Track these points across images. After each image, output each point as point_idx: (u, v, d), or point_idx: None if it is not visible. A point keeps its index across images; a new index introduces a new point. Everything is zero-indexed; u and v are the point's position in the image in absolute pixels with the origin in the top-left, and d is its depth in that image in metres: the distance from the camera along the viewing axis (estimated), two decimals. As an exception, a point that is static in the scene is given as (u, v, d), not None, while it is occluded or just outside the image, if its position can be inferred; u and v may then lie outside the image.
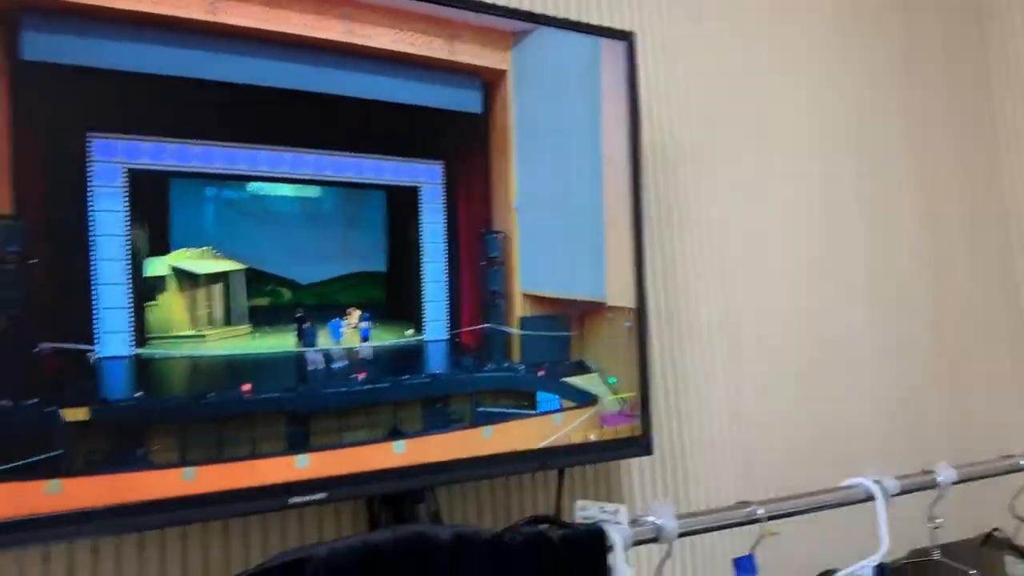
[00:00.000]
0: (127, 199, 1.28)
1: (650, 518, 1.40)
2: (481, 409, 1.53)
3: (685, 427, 1.97)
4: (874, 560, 1.53)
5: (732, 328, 2.13)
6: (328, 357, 1.44)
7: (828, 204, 2.23)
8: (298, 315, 1.41)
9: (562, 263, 1.70)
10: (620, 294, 1.78)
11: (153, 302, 1.29)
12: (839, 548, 1.73)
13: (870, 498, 1.60)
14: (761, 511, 1.48)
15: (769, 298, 2.17)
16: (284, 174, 1.41)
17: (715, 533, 1.48)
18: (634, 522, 1.37)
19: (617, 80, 1.81)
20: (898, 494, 1.63)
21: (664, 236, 2.06)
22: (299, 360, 1.40)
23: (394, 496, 1.51)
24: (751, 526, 1.49)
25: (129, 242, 1.28)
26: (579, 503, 1.40)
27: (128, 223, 1.29)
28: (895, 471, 1.67)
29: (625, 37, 1.82)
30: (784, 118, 2.26)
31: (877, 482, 1.60)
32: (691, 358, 2.00)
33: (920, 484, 1.70)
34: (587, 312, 1.69)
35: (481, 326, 1.57)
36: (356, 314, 1.47)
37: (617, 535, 1.29)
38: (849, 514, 1.66)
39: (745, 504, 1.51)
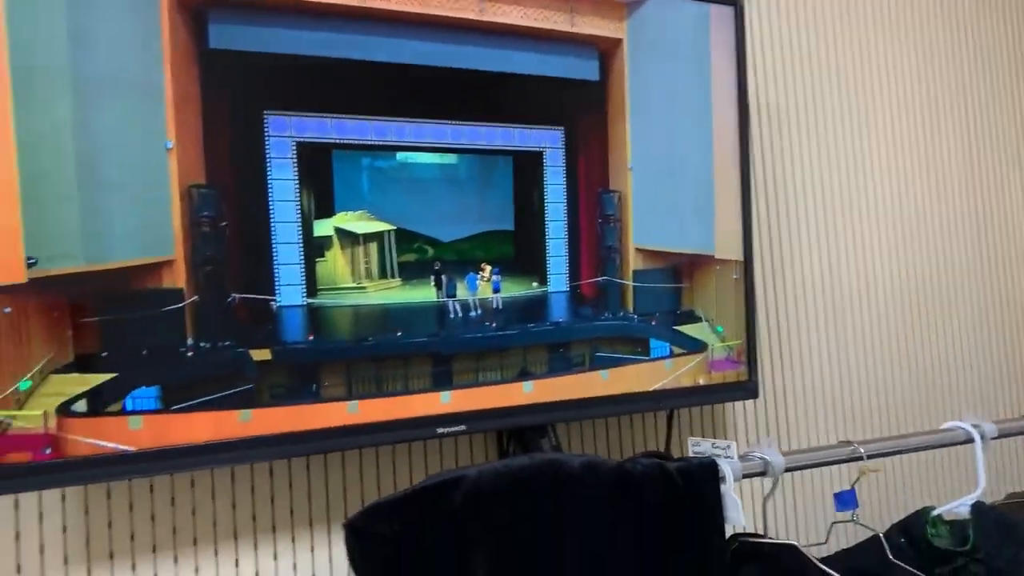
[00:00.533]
0: (296, 168, 1.41)
1: (757, 453, 1.54)
2: (599, 354, 1.62)
3: (788, 372, 2.03)
4: (971, 498, 1.62)
5: (834, 278, 2.20)
6: (465, 307, 1.52)
7: (931, 159, 2.26)
8: (436, 268, 1.55)
9: (673, 219, 1.72)
10: (728, 247, 1.86)
11: (321, 259, 1.45)
12: (938, 488, 1.82)
13: (969, 440, 1.69)
14: (863, 449, 1.60)
15: (870, 249, 2.24)
16: (426, 143, 1.48)
17: (817, 470, 1.60)
18: (743, 457, 1.51)
19: (726, 45, 1.88)
20: (997, 437, 1.70)
21: (769, 192, 2.13)
22: (441, 309, 1.56)
23: (522, 430, 1.65)
24: (852, 464, 1.61)
25: (299, 206, 1.43)
26: (692, 439, 1.55)
27: (298, 190, 1.43)
28: (994, 415, 1.74)
29: (733, 3, 1.88)
30: (889, 79, 2.25)
31: (976, 426, 1.69)
32: (794, 307, 2.05)
33: (1019, 428, 1.76)
34: (696, 265, 1.75)
35: (598, 279, 1.63)
36: (488, 268, 1.59)
37: (728, 468, 1.44)
38: (948, 456, 1.75)
39: (847, 443, 1.64)
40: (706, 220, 1.83)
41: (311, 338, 1.39)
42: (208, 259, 1.32)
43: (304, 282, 1.39)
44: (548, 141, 1.66)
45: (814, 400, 2.07)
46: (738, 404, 1.92)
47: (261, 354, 1.36)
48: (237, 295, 1.34)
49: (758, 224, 1.98)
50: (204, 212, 1.32)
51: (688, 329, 1.76)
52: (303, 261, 1.39)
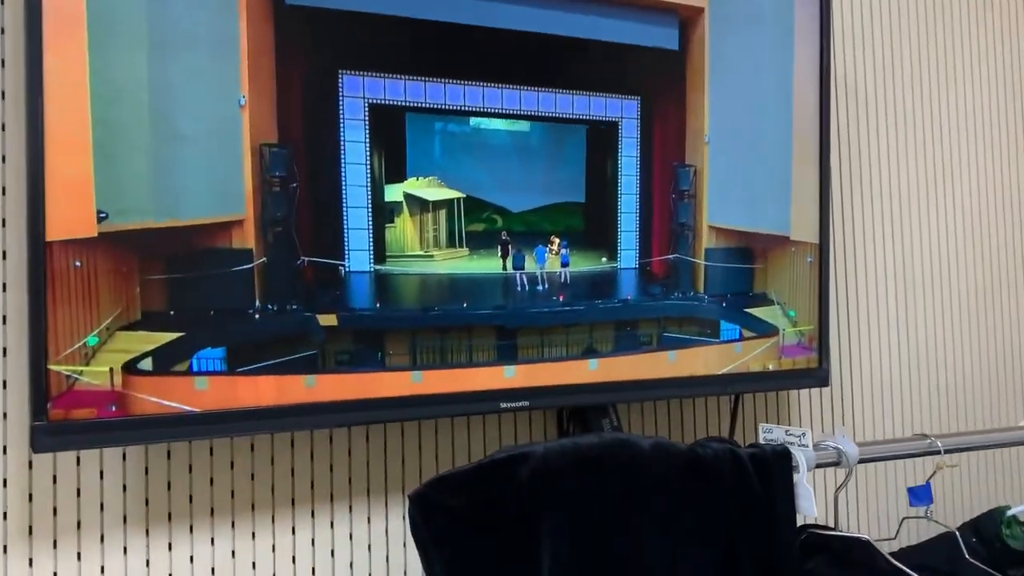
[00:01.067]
0: (368, 131, 1.39)
1: (831, 443, 1.48)
2: (667, 334, 1.61)
3: (857, 361, 1.99)
4: (1053, 499, 1.55)
5: (908, 266, 2.15)
6: (533, 280, 1.51)
7: (1014, 148, 2.22)
8: (503, 238, 1.53)
9: (749, 197, 1.70)
10: (804, 229, 1.81)
11: (390, 224, 1.43)
12: (1012, 487, 1.76)
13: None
14: (940, 443, 1.54)
15: (946, 238, 2.18)
16: (500, 110, 1.47)
17: (890, 463, 1.55)
18: (816, 446, 1.46)
19: (810, 17, 1.83)
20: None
21: (843, 173, 2.07)
22: (508, 281, 1.53)
23: (582, 408, 1.62)
24: (927, 458, 1.55)
25: (370, 170, 1.41)
26: (764, 425, 1.50)
27: (369, 153, 1.41)
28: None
29: (821, -27, 1.77)
30: (971, 58, 2.17)
31: (1061, 424, 1.61)
32: (865, 294, 2.02)
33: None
34: (770, 246, 1.73)
35: (669, 256, 1.62)
36: (557, 241, 1.57)
37: (802, 456, 1.39)
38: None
39: (923, 436, 1.58)
40: (783, 199, 1.79)
41: (378, 305, 1.38)
42: (278, 220, 1.31)
43: (372, 248, 1.39)
44: (624, 111, 1.64)
45: (883, 390, 2.02)
46: (806, 391, 1.89)
47: (328, 319, 1.34)
48: (306, 258, 1.33)
49: (832, 207, 1.87)
50: (275, 171, 1.30)
51: (759, 312, 1.73)
52: (372, 226, 1.39)
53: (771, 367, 1.71)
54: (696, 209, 1.63)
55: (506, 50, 1.44)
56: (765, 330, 1.71)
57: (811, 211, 1.75)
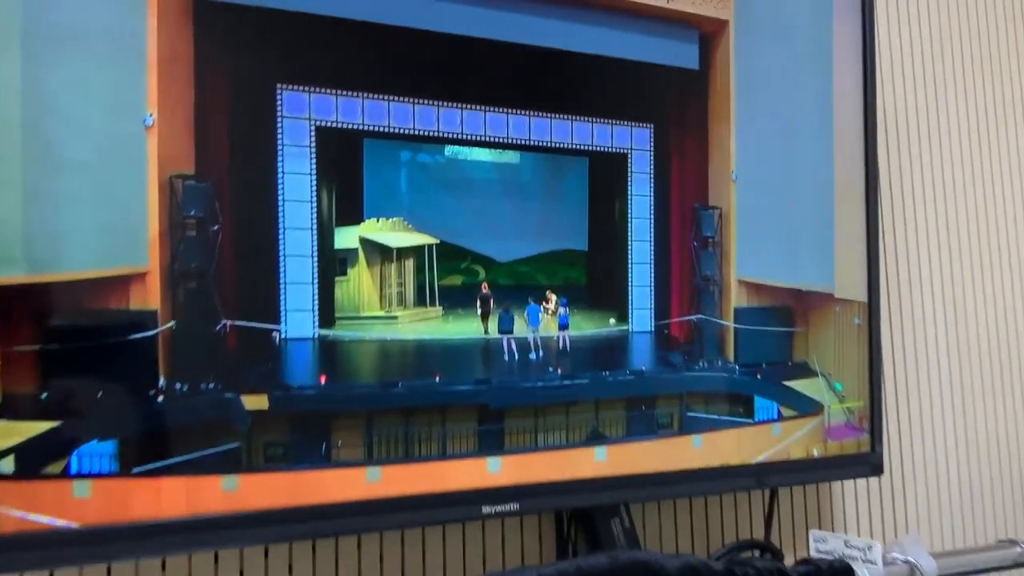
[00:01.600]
0: (314, 160, 1.17)
1: (899, 555, 1.14)
2: (691, 414, 1.38)
3: (917, 442, 1.77)
4: None
5: (963, 323, 1.88)
6: (524, 346, 1.30)
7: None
8: (486, 295, 1.28)
9: (785, 246, 1.49)
10: (850, 284, 1.55)
11: (342, 277, 1.17)
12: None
13: None
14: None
15: (1005, 293, 1.87)
16: (482, 137, 1.28)
17: (977, 577, 1.22)
18: (884, 560, 1.12)
19: (852, 35, 1.59)
20: None
21: (885, 218, 1.81)
22: (493, 348, 1.27)
23: (588, 510, 1.37)
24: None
25: (317, 209, 1.15)
26: (815, 532, 1.18)
27: (316, 188, 1.16)
28: None
29: (862, -15, 1.54)
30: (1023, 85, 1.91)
31: None
32: (920, 359, 1.79)
33: None
34: (812, 305, 1.50)
35: (692, 317, 1.41)
36: (554, 299, 1.33)
37: (870, 576, 1.05)
38: None
39: (1012, 543, 1.23)
40: (824, 250, 1.54)
41: (323, 381, 1.15)
42: (193, 273, 1.08)
43: (318, 308, 1.16)
44: (634, 141, 1.40)
45: (946, 481, 1.72)
46: (853, 482, 1.68)
47: (256, 401, 1.10)
48: (229, 322, 1.09)
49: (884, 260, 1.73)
50: (191, 211, 1.07)
51: (801, 385, 1.49)
52: (318, 280, 1.15)
53: (816, 453, 1.48)
54: (722, 260, 1.42)
55: (491, 65, 1.24)
56: (807, 408, 1.48)
57: (857, 264, 1.53)
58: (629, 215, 1.37)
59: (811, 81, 1.52)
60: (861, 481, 1.65)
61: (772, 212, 1.47)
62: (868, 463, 1.51)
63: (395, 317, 1.17)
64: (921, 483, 1.79)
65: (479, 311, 1.24)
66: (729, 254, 1.42)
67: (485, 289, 1.24)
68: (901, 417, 1.77)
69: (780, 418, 1.43)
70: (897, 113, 1.83)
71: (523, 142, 1.27)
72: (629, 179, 1.37)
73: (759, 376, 1.42)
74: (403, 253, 1.19)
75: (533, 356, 1.26)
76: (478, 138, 1.25)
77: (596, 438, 1.28)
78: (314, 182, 1.14)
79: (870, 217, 1.57)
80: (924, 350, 1.82)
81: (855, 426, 1.53)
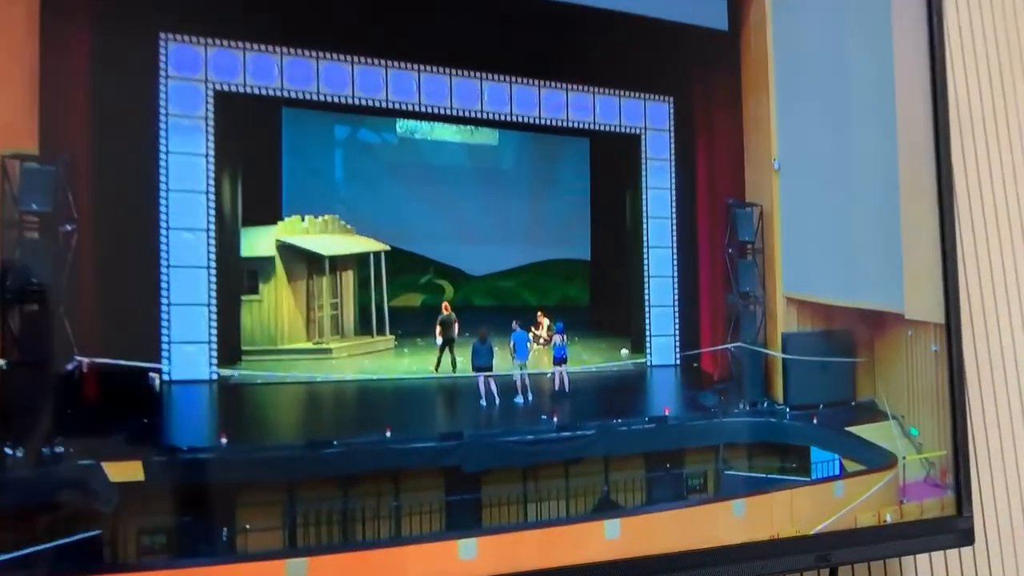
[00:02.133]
0: (214, 137, 0.93)
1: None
2: (729, 472, 1.17)
3: (1016, 502, 1.52)
4: None
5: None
6: (508, 388, 1.09)
7: None
8: (443, 316, 1.07)
9: (842, 254, 1.27)
10: (923, 303, 1.33)
11: (253, 296, 0.98)
12: None
13: None
14: None
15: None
16: (448, 109, 1.05)
17: None
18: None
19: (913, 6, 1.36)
20: None
21: (962, 220, 1.58)
22: (462, 391, 1.07)
23: None
24: None
25: (215, 203, 0.94)
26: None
27: (215, 174, 0.94)
28: None
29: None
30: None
31: None
32: (1013, 396, 1.55)
33: None
34: (878, 328, 1.29)
35: (728, 345, 1.20)
36: (546, 324, 1.13)
37: None
38: None
39: None
40: (891, 259, 1.33)
41: (224, 441, 0.92)
42: (32, 291, 0.85)
43: (216, 339, 0.93)
44: (649, 119, 1.19)
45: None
46: (939, 554, 1.43)
47: (127, 470, 0.87)
48: (86, 359, 0.86)
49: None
50: (30, 204, 0.85)
51: (867, 431, 1.27)
52: (217, 301, 0.93)
53: (888, 518, 1.26)
54: (765, 271, 1.21)
55: (460, 14, 1.03)
56: (877, 460, 1.26)
57: (932, 276, 1.31)
58: (644, 214, 1.17)
59: (867, 56, 1.32)
60: (950, 553, 1.44)
61: (825, 211, 1.27)
62: (955, 530, 1.31)
63: (328, 350, 1.02)
64: (1022, 555, 1.53)
65: (439, 339, 1.05)
66: (773, 264, 1.23)
67: (447, 310, 1.07)
68: (995, 470, 1.54)
69: (843, 474, 1.23)
70: (960, 90, 1.62)
71: (503, 117, 1.06)
72: (643, 167, 1.17)
73: (815, 420, 1.22)
74: (339, 263, 1.04)
75: (520, 400, 1.08)
76: (442, 110, 1.04)
77: (607, 508, 1.08)
78: (211, 166, 0.93)
79: (945, 221, 1.35)
80: (1018, 384, 1.57)
81: (937, 483, 1.32)
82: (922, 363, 1.35)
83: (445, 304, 1.02)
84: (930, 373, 1.34)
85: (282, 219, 0.99)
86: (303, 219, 0.98)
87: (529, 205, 1.11)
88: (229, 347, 0.94)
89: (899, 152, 1.35)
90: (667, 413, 1.20)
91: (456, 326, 1.03)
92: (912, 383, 1.33)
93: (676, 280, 1.20)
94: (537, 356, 1.12)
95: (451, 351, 1.02)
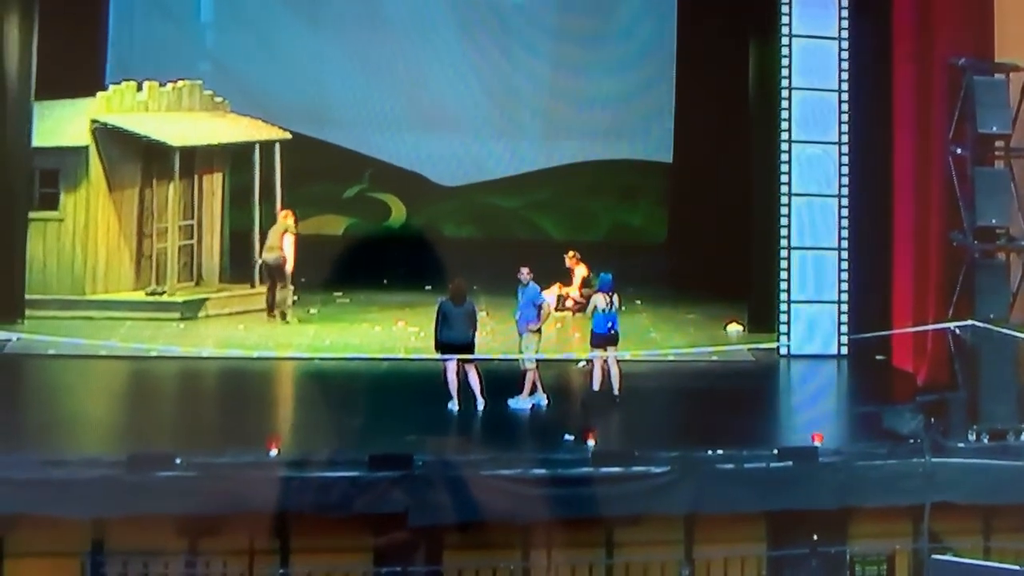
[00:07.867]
0: None
1: None
2: (939, 558, 0.97)
3: None
4: None
5: None
6: (507, 382, 0.70)
7: None
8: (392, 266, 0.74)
9: None
10: None
11: (48, 214, 0.68)
12: None
13: None
14: None
15: None
16: None
17: None
18: None
19: None
20: None
21: None
22: (418, 381, 0.63)
23: None
24: None
25: None
26: None
27: None
28: None
29: None
30: None
31: None
32: None
33: None
34: None
35: (950, 324, 0.79)
36: (580, 273, 0.57)
37: None
38: None
39: None
40: None
41: None
42: None
43: None
44: None
45: None
46: None
47: None
48: None
49: None
50: None
51: None
52: None
53: None
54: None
55: None
56: None
57: None
58: (783, 82, 0.70)
59: None
60: None
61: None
62: None
63: (174, 305, 0.58)
64: None
65: (431, 299, 0.74)
66: None
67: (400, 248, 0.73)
68: None
69: None
70: None
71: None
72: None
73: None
74: (200, 160, 0.69)
75: (524, 405, 0.83)
76: None
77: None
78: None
79: None
80: None
81: None
82: None
83: (405, 245, 0.69)
84: None
85: (104, 88, 0.65)
86: (140, 87, 0.65)
87: (551, 60, 0.72)
88: (5, 297, 0.62)
89: None
90: (817, 443, 0.73)
91: (402, 266, 0.68)
92: None
93: (845, 203, 0.76)
94: (560, 329, 0.73)
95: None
